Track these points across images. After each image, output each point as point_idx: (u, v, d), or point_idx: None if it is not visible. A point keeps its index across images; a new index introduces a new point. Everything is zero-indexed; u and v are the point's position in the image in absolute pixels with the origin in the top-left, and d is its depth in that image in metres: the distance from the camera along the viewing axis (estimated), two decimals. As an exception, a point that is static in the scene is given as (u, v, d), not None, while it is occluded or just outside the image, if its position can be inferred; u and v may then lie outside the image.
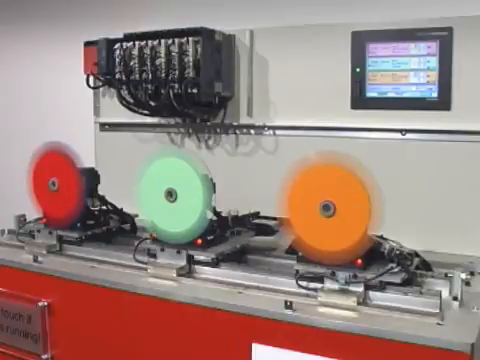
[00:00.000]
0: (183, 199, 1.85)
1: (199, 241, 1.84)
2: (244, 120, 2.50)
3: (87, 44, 2.66)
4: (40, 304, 1.95)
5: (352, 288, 1.59)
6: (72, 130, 3.23)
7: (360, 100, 2.24)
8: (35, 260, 2.00)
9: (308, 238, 1.65)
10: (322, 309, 1.57)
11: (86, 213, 2.15)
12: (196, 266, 1.86)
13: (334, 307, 1.56)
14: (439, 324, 1.44)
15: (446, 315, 1.49)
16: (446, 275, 1.69)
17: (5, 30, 3.63)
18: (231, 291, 1.71)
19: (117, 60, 2.43)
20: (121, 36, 2.42)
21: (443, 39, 2.08)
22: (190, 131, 2.64)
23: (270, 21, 2.50)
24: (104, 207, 2.25)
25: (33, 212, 2.39)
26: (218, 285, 1.76)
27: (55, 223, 2.13)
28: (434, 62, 2.11)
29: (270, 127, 2.44)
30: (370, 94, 2.23)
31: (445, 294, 1.58)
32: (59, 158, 2.12)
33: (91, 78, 2.70)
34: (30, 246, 2.12)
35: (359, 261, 1.60)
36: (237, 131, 2.52)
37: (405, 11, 2.28)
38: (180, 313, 1.71)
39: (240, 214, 2.11)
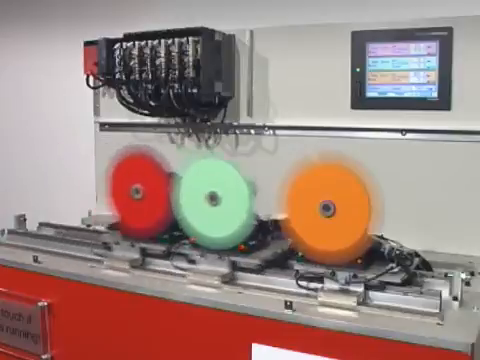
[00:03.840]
0: (227, 203, 1.78)
1: (242, 247, 1.77)
2: (244, 120, 2.50)
3: (87, 44, 2.66)
4: (40, 304, 1.95)
5: (352, 288, 1.59)
6: (72, 130, 3.24)
7: (360, 100, 2.24)
8: (35, 260, 2.00)
9: (308, 238, 1.64)
10: (322, 309, 1.57)
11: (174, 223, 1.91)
12: (239, 273, 1.79)
13: (334, 307, 1.56)
14: (439, 324, 1.44)
15: (446, 315, 1.49)
16: (446, 275, 1.69)
17: (5, 30, 3.63)
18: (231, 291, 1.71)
19: (117, 60, 2.43)
20: (121, 36, 2.42)
21: (443, 39, 2.08)
22: (190, 131, 2.64)
23: (270, 21, 2.50)
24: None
25: (33, 212, 2.40)
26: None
27: (136, 234, 1.93)
28: (434, 62, 2.11)
29: (270, 127, 2.44)
30: (370, 94, 2.23)
31: (445, 294, 1.57)
32: (144, 162, 1.94)
33: (91, 78, 2.70)
34: (110, 260, 1.95)
35: (359, 261, 1.60)
36: (237, 131, 2.52)
37: (405, 11, 2.28)
38: (180, 313, 1.71)
39: (279, 218, 1.95)
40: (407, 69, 2.17)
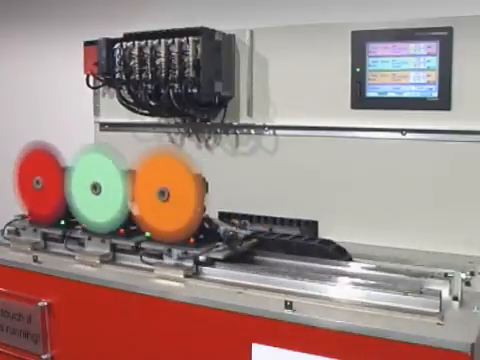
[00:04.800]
0: (106, 192, 2.03)
1: (121, 231, 2.01)
2: (244, 120, 2.50)
3: (87, 44, 2.66)
4: (40, 304, 1.95)
5: (184, 263, 1.83)
6: (72, 130, 3.23)
7: (360, 100, 2.24)
8: (35, 260, 2.00)
9: (150, 220, 1.92)
10: (158, 281, 1.81)
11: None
12: (119, 254, 2.01)
13: (167, 279, 1.81)
14: (439, 324, 1.45)
15: (446, 315, 1.49)
16: (446, 275, 1.70)
17: (4, 30, 3.62)
18: (230, 291, 1.72)
19: (117, 60, 2.43)
20: (121, 36, 2.42)
21: (443, 39, 2.08)
22: (190, 131, 2.64)
23: (270, 21, 2.50)
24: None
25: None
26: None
27: (39, 221, 2.18)
28: (434, 62, 2.11)
29: (270, 127, 2.44)
30: (370, 94, 2.23)
31: (445, 294, 1.58)
32: (43, 157, 2.18)
33: (91, 78, 2.70)
34: (16, 244, 2.16)
35: (191, 240, 1.87)
36: (237, 131, 2.52)
37: (405, 11, 2.28)
38: (180, 313, 1.71)
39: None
40: (407, 69, 2.17)
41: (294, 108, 2.38)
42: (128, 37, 2.40)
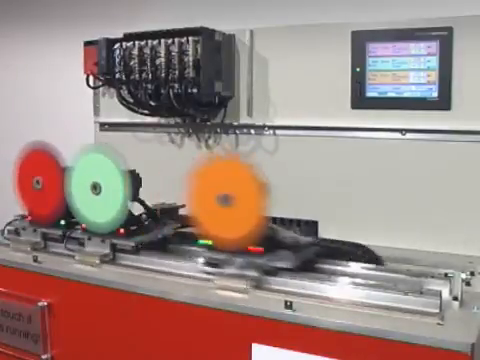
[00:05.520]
0: (106, 192, 2.00)
1: (121, 231, 1.98)
2: (244, 120, 2.50)
3: (87, 44, 2.66)
4: (40, 304, 1.95)
5: (248, 273, 1.70)
6: (72, 130, 3.23)
7: (360, 100, 2.24)
8: (35, 260, 2.00)
9: (210, 227, 1.81)
10: (219, 292, 1.69)
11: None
12: (119, 254, 1.98)
13: (229, 290, 1.68)
14: (439, 324, 1.44)
15: (446, 315, 1.48)
16: (446, 275, 1.70)
17: (5, 30, 3.62)
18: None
19: (117, 60, 2.43)
20: (121, 36, 2.42)
21: (443, 39, 2.08)
22: (190, 131, 2.64)
23: (270, 21, 2.50)
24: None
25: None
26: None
27: (39, 221, 2.17)
28: (434, 62, 2.11)
29: (270, 127, 2.44)
30: (370, 94, 2.23)
31: (445, 294, 1.58)
32: (43, 157, 2.17)
33: (91, 78, 2.70)
34: (16, 244, 2.18)
35: (255, 248, 1.74)
36: (237, 131, 2.52)
37: (405, 11, 2.28)
38: (180, 313, 1.71)
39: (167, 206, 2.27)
40: (407, 69, 2.17)
41: (294, 108, 2.38)
42: (128, 37, 2.40)
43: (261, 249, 1.75)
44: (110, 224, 1.99)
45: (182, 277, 1.83)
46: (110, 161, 1.99)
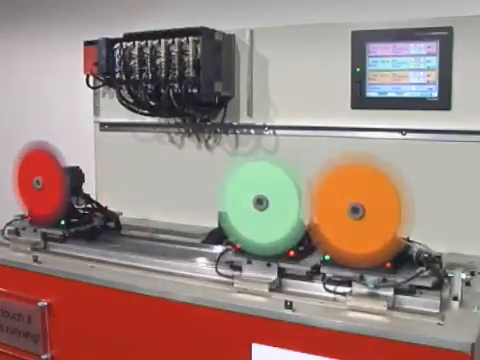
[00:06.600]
0: (275, 207, 1.70)
1: (291, 253, 1.68)
2: (244, 120, 2.50)
3: (87, 44, 2.66)
4: (40, 304, 1.95)
5: (381, 292, 1.54)
6: (72, 130, 3.24)
7: (360, 100, 2.24)
8: (35, 260, 2.00)
9: (336, 241, 1.59)
10: (351, 314, 1.52)
11: (70, 211, 2.18)
12: (287, 280, 1.71)
13: (363, 312, 1.52)
14: (439, 324, 1.44)
15: (446, 315, 1.48)
16: (446, 275, 1.69)
17: (4, 30, 3.62)
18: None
19: (117, 60, 2.43)
20: (121, 36, 2.42)
21: (443, 39, 2.08)
22: (190, 131, 2.64)
23: (270, 21, 2.50)
24: (89, 205, 2.29)
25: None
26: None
27: (39, 221, 2.16)
28: (434, 62, 2.11)
29: (270, 127, 2.44)
30: (370, 94, 2.23)
31: (445, 294, 1.58)
32: (43, 157, 2.16)
33: (91, 78, 2.70)
34: (15, 244, 2.18)
35: (388, 264, 1.54)
36: (237, 131, 2.52)
37: (405, 11, 2.28)
38: (180, 313, 1.71)
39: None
40: (407, 69, 2.17)
41: (294, 108, 2.38)
42: (128, 37, 2.40)
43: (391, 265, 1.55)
44: (277, 244, 1.69)
45: (183, 277, 1.82)
46: (282, 171, 1.72)
